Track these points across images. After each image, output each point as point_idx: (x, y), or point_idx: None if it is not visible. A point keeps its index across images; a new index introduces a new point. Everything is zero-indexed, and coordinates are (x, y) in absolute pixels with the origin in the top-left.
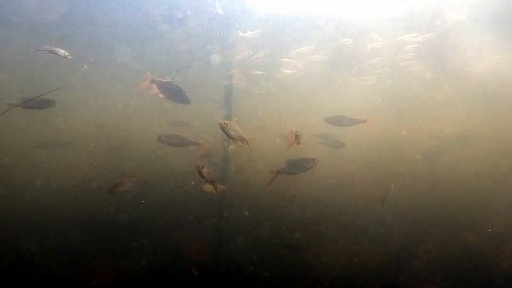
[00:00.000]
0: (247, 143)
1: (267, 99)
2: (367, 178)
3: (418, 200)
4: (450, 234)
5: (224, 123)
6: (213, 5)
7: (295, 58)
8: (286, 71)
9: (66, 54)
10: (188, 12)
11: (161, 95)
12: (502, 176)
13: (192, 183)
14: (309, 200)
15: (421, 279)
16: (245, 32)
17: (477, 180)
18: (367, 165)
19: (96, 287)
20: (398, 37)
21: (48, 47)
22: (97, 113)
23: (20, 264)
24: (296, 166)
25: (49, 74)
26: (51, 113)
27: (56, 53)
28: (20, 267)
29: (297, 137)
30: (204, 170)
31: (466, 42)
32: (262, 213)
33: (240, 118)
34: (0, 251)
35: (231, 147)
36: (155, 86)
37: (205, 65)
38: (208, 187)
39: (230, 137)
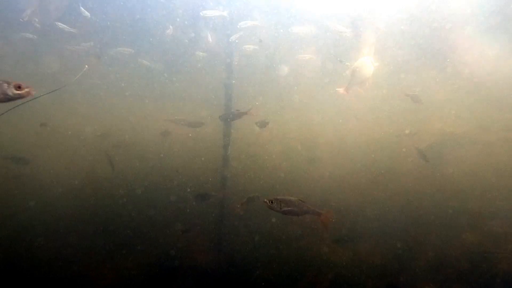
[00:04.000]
0: None
1: None
2: (368, 177)
3: (418, 200)
4: (450, 233)
5: None
6: None
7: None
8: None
9: None
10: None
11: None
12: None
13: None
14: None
15: (422, 279)
16: (260, 41)
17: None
18: (368, 164)
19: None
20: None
21: None
22: None
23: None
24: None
25: None
26: None
27: None
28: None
29: None
30: None
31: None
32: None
33: None
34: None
35: None
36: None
37: None
38: None
39: None
